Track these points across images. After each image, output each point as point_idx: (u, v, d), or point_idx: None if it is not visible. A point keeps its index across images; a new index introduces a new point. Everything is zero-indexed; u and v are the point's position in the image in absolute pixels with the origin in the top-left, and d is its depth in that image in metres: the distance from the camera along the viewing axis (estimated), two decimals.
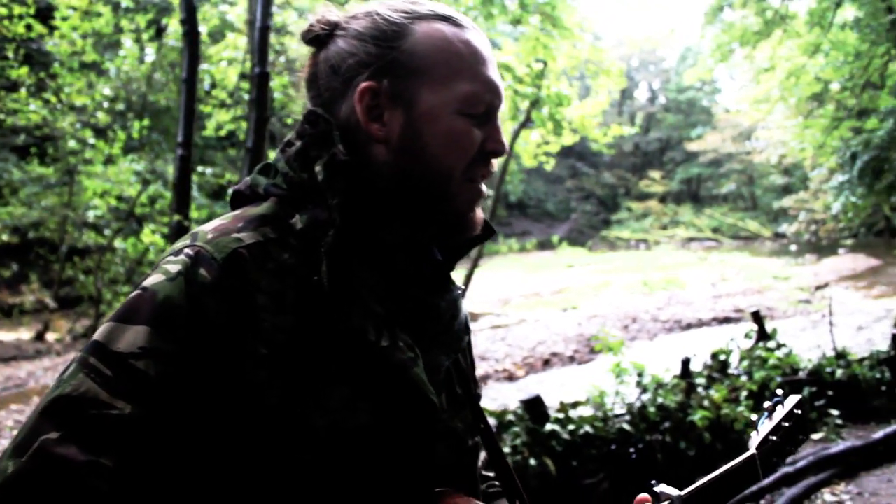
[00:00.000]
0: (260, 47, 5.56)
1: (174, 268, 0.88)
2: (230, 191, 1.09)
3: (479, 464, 1.18)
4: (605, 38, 49.37)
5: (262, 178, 1.04)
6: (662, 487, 1.06)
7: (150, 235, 14.45)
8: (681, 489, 1.05)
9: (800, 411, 1.27)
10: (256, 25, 5.61)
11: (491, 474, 1.24)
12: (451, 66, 0.99)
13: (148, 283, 0.89)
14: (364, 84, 0.98)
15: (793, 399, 1.28)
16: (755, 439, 1.19)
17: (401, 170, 0.99)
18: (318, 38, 1.04)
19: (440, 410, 1.00)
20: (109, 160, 14.51)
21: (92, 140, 14.14)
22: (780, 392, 1.28)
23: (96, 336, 0.86)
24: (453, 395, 1.10)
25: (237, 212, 0.99)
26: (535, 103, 11.21)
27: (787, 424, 1.23)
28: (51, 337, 15.14)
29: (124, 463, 0.79)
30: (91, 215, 15.51)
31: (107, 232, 16.09)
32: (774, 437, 1.20)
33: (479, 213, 1.06)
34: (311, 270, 0.92)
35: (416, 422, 0.97)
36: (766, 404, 1.27)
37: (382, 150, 0.99)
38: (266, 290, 0.89)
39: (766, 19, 14.52)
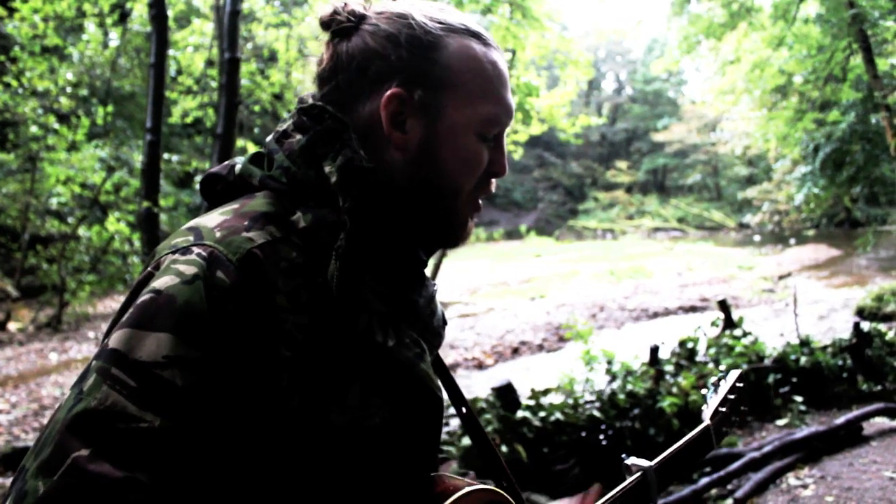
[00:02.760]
0: (230, 32, 5.50)
1: (188, 269, 0.84)
2: (201, 175, 1.07)
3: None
4: (572, 28, 49.61)
5: (254, 168, 1.00)
6: (634, 460, 1.16)
7: (116, 223, 14.24)
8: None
9: (741, 384, 1.44)
10: (226, 10, 5.54)
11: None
12: (479, 86, 1.00)
13: (160, 285, 0.83)
14: (394, 90, 0.97)
15: (734, 374, 1.45)
16: (707, 412, 1.35)
17: (414, 179, 0.99)
18: (343, 29, 1.01)
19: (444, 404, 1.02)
20: (73, 146, 14.24)
21: (55, 126, 13.87)
22: (722, 369, 1.43)
23: (114, 344, 0.80)
24: None
25: (234, 206, 0.95)
26: None
27: (732, 397, 1.40)
28: (13, 326, 14.88)
29: (159, 477, 0.76)
30: (54, 202, 15.23)
31: (70, 220, 15.83)
32: (723, 409, 1.36)
33: (471, 226, 1.08)
34: (316, 271, 0.90)
35: (425, 415, 0.98)
36: (712, 380, 1.43)
37: (398, 157, 0.99)
38: (283, 291, 0.86)
39: (732, 12, 14.68)
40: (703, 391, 1.54)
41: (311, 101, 1.02)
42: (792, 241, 29.98)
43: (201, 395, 0.80)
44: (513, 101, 1.05)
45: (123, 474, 0.74)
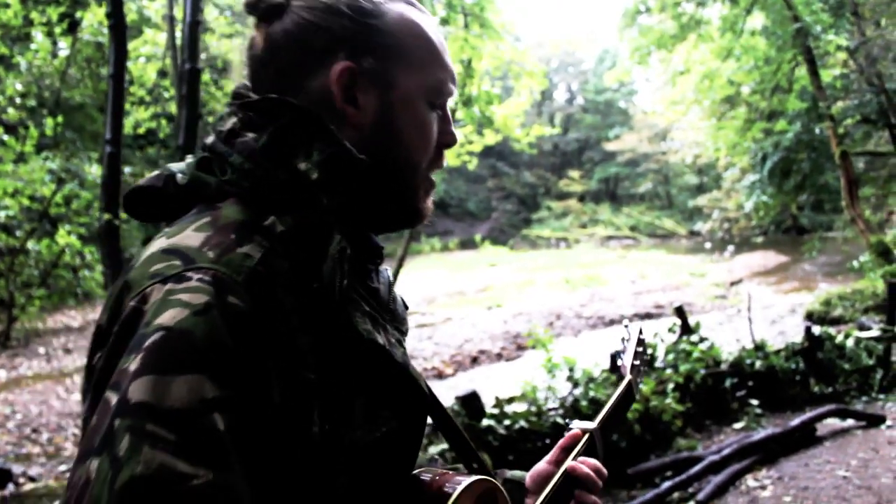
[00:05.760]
0: (190, 42, 5.44)
1: (196, 298, 0.74)
2: (129, 189, 0.95)
3: None
4: (525, 39, 49.94)
5: (205, 175, 0.90)
6: (577, 423, 1.27)
7: (66, 236, 13.92)
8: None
9: (643, 337, 1.57)
10: (186, 20, 5.48)
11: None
12: (426, 52, 0.96)
13: (166, 321, 0.72)
14: (343, 63, 0.90)
15: (634, 329, 1.56)
16: (625, 368, 1.45)
17: (373, 156, 0.91)
18: (273, 7, 0.92)
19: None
20: (21, 158, 13.90)
21: (2, 137, 13.55)
22: (624, 325, 1.56)
23: (137, 396, 0.68)
24: None
25: (204, 219, 0.84)
26: (467, 102, 11.32)
27: (640, 350, 1.52)
28: None
29: None
30: (2, 216, 14.82)
31: (19, 233, 15.43)
32: (637, 362, 1.48)
33: (430, 204, 1.02)
34: (306, 277, 0.82)
35: (419, 417, 0.95)
36: (621, 338, 1.53)
37: (354, 134, 0.92)
38: (290, 308, 0.79)
39: (682, 24, 14.99)
40: (614, 351, 1.65)
41: (250, 93, 0.94)
42: (732, 248, 30.59)
43: (244, 436, 0.72)
44: (453, 67, 1.01)
45: None
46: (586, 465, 1.15)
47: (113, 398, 0.69)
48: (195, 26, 5.48)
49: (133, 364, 0.70)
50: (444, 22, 9.94)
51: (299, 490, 0.79)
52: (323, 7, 0.91)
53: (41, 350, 14.10)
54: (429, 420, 1.03)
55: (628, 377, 1.42)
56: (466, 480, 0.95)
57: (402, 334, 1.02)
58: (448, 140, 1.00)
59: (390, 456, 0.89)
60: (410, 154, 0.95)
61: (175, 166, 0.94)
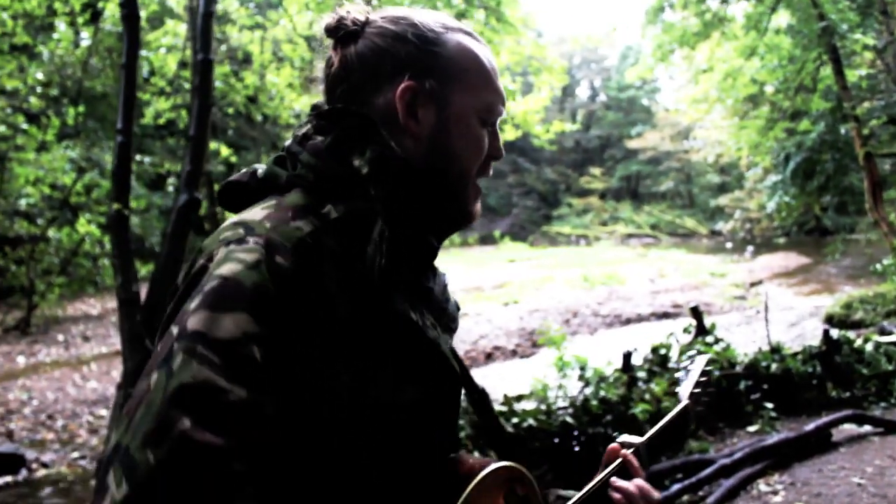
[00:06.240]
0: (203, 34, 5.44)
1: (250, 256, 0.90)
2: (222, 184, 1.13)
3: None
4: (547, 35, 49.81)
5: (279, 169, 1.08)
6: (625, 437, 1.29)
7: (86, 225, 14.05)
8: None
9: (709, 367, 1.56)
10: (199, 12, 5.48)
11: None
12: (479, 76, 1.12)
13: (226, 272, 0.89)
14: (407, 83, 1.07)
15: (702, 358, 1.56)
16: (684, 393, 1.45)
17: (428, 165, 1.08)
18: (349, 33, 1.11)
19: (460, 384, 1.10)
20: (43, 147, 14.03)
21: (24, 126, 13.66)
22: (691, 353, 1.51)
23: (193, 326, 0.85)
24: None
25: (271, 202, 1.01)
26: None
27: (703, 379, 1.50)
28: None
29: (251, 445, 0.82)
30: (23, 203, 14.99)
31: (40, 221, 15.59)
32: (697, 390, 1.46)
33: (478, 207, 1.17)
34: (353, 258, 0.97)
35: (448, 393, 1.07)
36: (683, 365, 1.54)
37: (412, 144, 1.08)
38: (331, 276, 0.94)
39: (705, 21, 14.80)
40: (677, 374, 1.60)
41: (324, 106, 1.11)
42: (751, 248, 30.32)
43: (278, 368, 0.87)
44: (503, 90, 1.16)
45: (224, 442, 0.80)
46: (627, 485, 1.19)
47: (175, 329, 0.87)
48: (208, 17, 5.47)
49: (193, 303, 0.88)
50: (461, 16, 9.87)
51: (326, 439, 0.92)
52: (392, 35, 1.09)
53: (60, 337, 14.25)
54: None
55: (685, 402, 1.43)
56: (495, 465, 1.05)
57: (452, 331, 1.20)
58: (496, 154, 1.17)
59: (419, 427, 1.01)
60: (462, 163, 1.11)
61: (258, 165, 1.12)
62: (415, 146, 1.08)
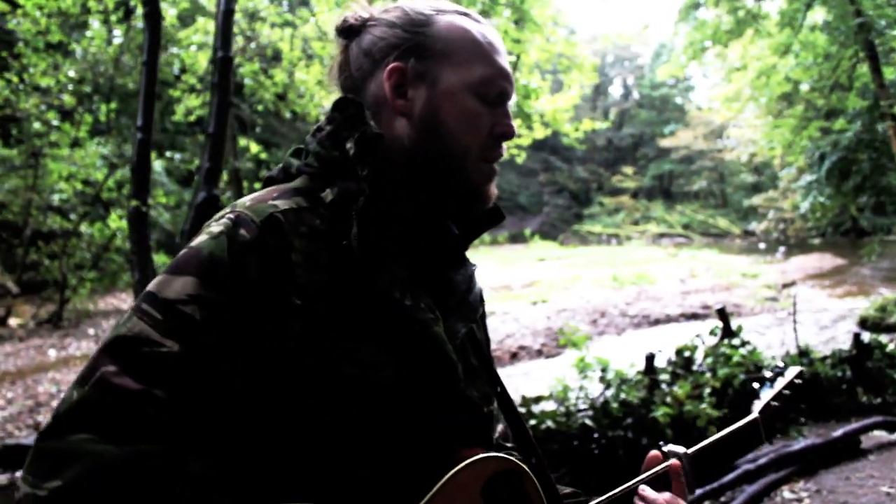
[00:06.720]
0: (223, 31, 5.44)
1: (217, 228, 0.99)
2: (263, 178, 1.20)
3: (496, 434, 1.25)
4: (580, 32, 49.44)
5: (293, 159, 1.15)
6: (670, 447, 1.19)
7: (118, 221, 14.23)
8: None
9: (800, 381, 1.41)
10: (220, 9, 5.49)
11: (509, 445, 1.28)
12: (470, 50, 1.12)
13: (194, 242, 0.99)
14: (393, 64, 1.10)
15: (793, 370, 1.42)
16: (758, 405, 1.33)
17: (421, 142, 1.10)
18: (352, 28, 1.16)
19: (459, 370, 1.09)
20: (75, 143, 14.21)
21: (57, 122, 13.84)
22: (780, 363, 1.41)
23: (149, 287, 0.97)
24: (469, 365, 1.16)
25: (272, 187, 1.10)
26: None
27: (787, 393, 1.37)
28: (14, 322, 14.88)
29: (173, 395, 0.89)
30: (56, 199, 15.21)
31: (72, 216, 15.82)
32: (776, 403, 1.34)
33: (493, 189, 1.16)
34: (341, 236, 1.01)
35: (437, 377, 1.06)
36: (768, 374, 1.41)
37: (405, 124, 1.10)
38: (299, 250, 0.99)
39: (739, 18, 14.58)
40: (755, 385, 1.45)
41: None
42: (783, 249, 29.88)
43: (217, 330, 0.92)
44: (510, 68, 1.15)
45: (141, 388, 0.88)
46: (655, 497, 1.15)
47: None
48: (229, 15, 5.47)
49: (163, 270, 0.99)
50: (485, 14, 9.81)
51: (288, 400, 0.96)
52: (385, 23, 1.14)
53: (91, 331, 14.43)
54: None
55: (755, 415, 1.31)
56: (484, 455, 1.01)
57: (471, 321, 1.18)
58: (502, 130, 1.13)
59: (405, 404, 1.01)
60: (456, 139, 1.10)
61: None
62: (409, 126, 1.10)
